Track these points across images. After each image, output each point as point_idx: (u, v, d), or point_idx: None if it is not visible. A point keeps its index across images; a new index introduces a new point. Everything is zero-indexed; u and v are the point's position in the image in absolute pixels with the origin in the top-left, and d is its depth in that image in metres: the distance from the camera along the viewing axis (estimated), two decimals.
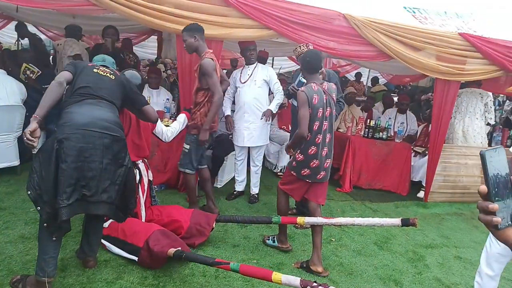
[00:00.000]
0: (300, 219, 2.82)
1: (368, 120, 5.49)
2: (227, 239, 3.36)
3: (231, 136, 4.35)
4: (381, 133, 5.33)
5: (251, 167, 4.39)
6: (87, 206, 2.18)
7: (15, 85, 3.99)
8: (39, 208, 2.14)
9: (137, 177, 3.02)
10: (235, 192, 4.43)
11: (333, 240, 3.61)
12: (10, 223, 3.11)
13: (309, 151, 2.92)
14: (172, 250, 2.64)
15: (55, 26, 6.96)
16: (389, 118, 5.96)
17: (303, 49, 3.47)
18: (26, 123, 4.08)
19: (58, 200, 2.05)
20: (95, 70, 2.46)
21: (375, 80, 10.21)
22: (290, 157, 3.17)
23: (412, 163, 5.40)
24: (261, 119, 4.15)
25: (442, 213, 4.82)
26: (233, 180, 4.60)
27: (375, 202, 4.88)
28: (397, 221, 2.60)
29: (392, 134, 5.55)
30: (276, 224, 3.14)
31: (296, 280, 2.11)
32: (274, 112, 4.23)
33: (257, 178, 4.39)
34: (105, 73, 2.47)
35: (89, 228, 2.58)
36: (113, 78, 2.49)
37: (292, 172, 3.03)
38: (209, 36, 3.72)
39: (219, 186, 4.69)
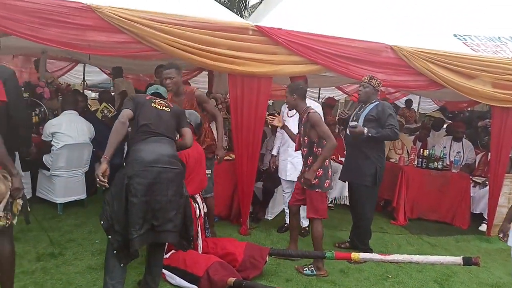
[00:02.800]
0: (355, 255, 2.78)
1: (422, 149, 5.34)
2: (280, 272, 3.37)
3: (274, 168, 4.41)
4: (436, 163, 5.15)
5: None
6: (155, 235, 2.39)
7: (84, 125, 4.38)
8: (110, 236, 2.37)
9: (197, 211, 3.17)
10: (285, 225, 4.44)
11: (390, 276, 3.49)
12: (79, 254, 3.34)
13: (325, 163, 3.31)
14: (232, 279, 2.75)
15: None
16: (444, 147, 5.75)
17: (365, 80, 3.80)
18: (93, 159, 4.46)
19: (132, 231, 2.27)
20: (153, 105, 2.64)
21: (409, 103, 9.82)
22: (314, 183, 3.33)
23: (471, 194, 5.13)
24: None
25: (508, 248, 4.48)
26: (283, 211, 4.62)
27: (433, 235, 4.67)
28: (458, 259, 2.50)
29: (448, 164, 5.34)
30: (330, 260, 3.10)
31: None
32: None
33: (305, 211, 4.38)
34: (161, 107, 2.65)
35: (151, 259, 2.73)
36: (169, 111, 2.68)
37: (318, 190, 3.32)
38: (259, 73, 3.90)
39: (269, 218, 4.73)
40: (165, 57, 4.08)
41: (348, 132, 3.96)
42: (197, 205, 3.22)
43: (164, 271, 2.98)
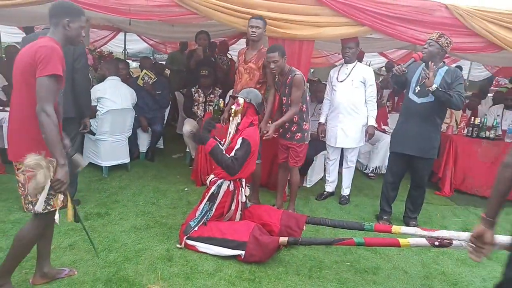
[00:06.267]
0: (396, 228, 2.66)
1: (473, 117, 5.01)
2: None
3: (322, 136, 4.29)
4: (487, 132, 4.83)
5: (343, 168, 4.30)
6: None
7: (127, 91, 4.46)
8: None
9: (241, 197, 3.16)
10: (325, 193, 4.38)
11: None
12: (124, 214, 3.47)
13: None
14: (284, 238, 2.80)
15: (157, 35, 7.61)
16: (497, 115, 5.37)
17: (433, 37, 3.39)
18: (135, 125, 4.60)
19: None
20: None
21: None
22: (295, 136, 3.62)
23: None
24: (367, 141, 4.27)
25: None
26: (322, 180, 4.55)
27: (480, 207, 4.44)
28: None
29: (501, 133, 5.00)
30: (369, 231, 2.98)
31: (422, 240, 2.40)
32: (376, 125, 4.17)
33: (349, 179, 4.28)
34: None
35: None
36: None
37: (306, 142, 3.68)
38: (301, 36, 3.76)
39: (308, 186, 4.68)
40: (203, 20, 4.00)
41: (414, 96, 3.50)
42: (242, 190, 3.15)
43: (194, 243, 2.92)
